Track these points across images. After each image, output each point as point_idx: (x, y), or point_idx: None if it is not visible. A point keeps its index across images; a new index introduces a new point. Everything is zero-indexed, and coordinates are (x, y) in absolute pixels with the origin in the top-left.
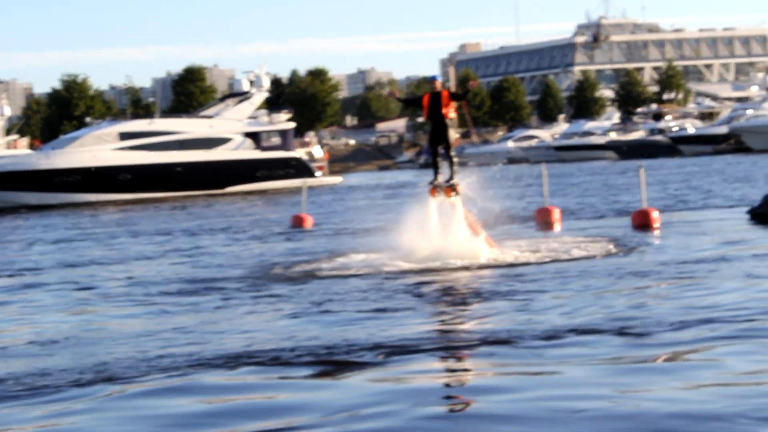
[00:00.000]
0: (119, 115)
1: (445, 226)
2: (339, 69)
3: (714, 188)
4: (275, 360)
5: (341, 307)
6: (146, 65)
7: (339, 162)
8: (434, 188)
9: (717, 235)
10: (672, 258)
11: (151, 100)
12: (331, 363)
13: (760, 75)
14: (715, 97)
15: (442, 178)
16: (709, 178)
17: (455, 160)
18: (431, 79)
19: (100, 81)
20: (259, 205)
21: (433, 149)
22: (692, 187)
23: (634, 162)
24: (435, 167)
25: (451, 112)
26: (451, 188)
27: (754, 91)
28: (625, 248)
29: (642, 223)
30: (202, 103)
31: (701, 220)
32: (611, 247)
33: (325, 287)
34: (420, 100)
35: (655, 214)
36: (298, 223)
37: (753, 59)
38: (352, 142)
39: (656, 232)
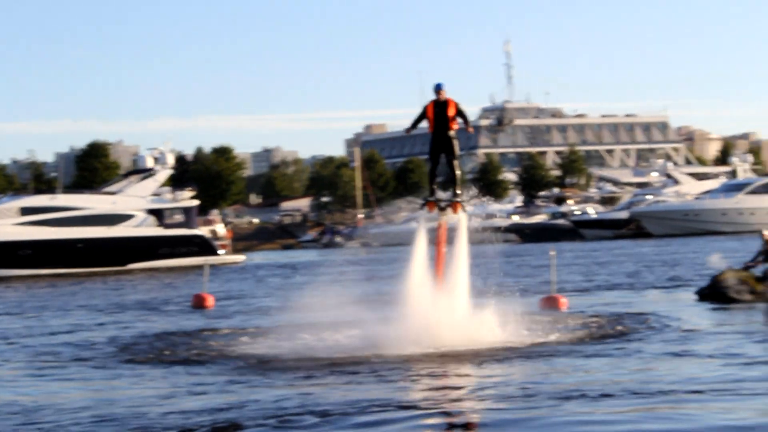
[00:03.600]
0: (21, 190)
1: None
2: (244, 147)
3: (639, 271)
4: None
5: None
6: (49, 140)
7: (242, 240)
8: (432, 203)
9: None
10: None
11: (53, 175)
12: None
13: (660, 161)
14: (616, 182)
15: (442, 195)
16: (624, 262)
17: (458, 172)
18: (438, 88)
19: (1, 155)
20: (159, 283)
21: (433, 162)
22: (615, 271)
23: (538, 245)
24: (432, 181)
25: (454, 125)
26: (458, 204)
27: (654, 176)
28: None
29: (551, 306)
30: (105, 179)
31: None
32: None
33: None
34: (423, 111)
35: (563, 300)
36: (199, 302)
37: (653, 145)
38: (255, 220)
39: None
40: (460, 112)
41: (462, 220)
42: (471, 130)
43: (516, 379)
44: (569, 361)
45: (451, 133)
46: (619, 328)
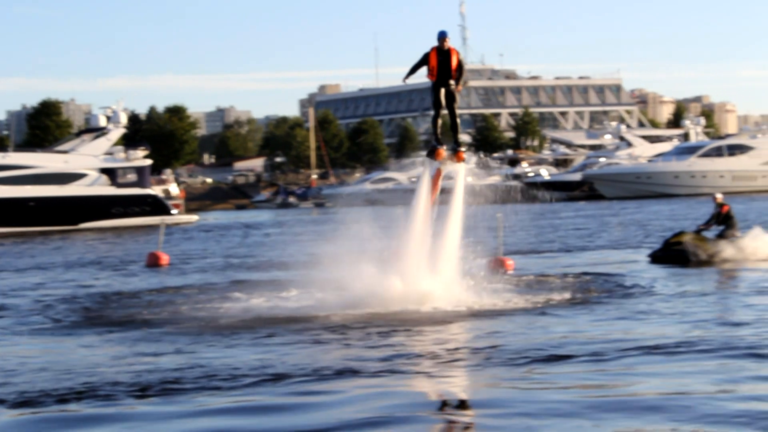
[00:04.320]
0: None
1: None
2: (198, 107)
3: (592, 232)
4: None
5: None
6: (0, 97)
7: (196, 200)
8: (441, 150)
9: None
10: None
11: (5, 133)
12: None
13: (614, 124)
14: (569, 144)
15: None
16: (576, 224)
17: (459, 122)
18: (443, 35)
19: None
20: (113, 242)
21: (437, 110)
22: (566, 233)
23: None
24: (436, 129)
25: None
26: (461, 153)
27: (607, 139)
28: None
29: (498, 268)
30: (57, 137)
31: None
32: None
33: None
34: (426, 57)
35: (510, 262)
36: (153, 261)
37: (607, 108)
38: (209, 180)
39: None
40: (459, 65)
41: (461, 170)
42: (460, 88)
43: (462, 340)
44: (522, 321)
45: (452, 82)
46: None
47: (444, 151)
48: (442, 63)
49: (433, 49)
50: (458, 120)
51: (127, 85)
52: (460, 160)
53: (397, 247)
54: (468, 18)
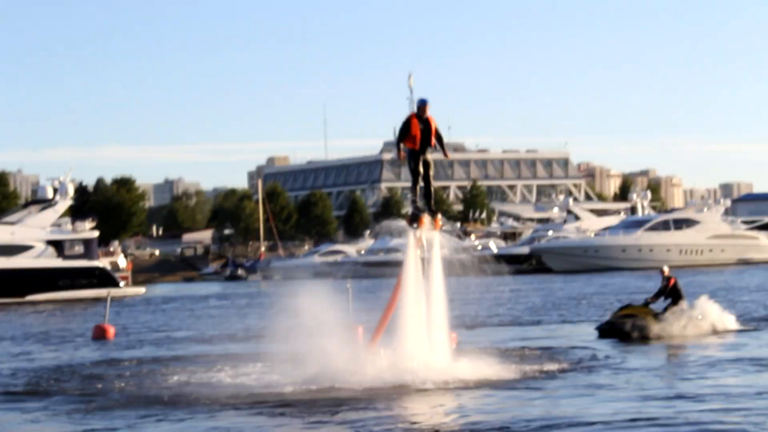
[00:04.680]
0: None
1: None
2: (146, 178)
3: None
4: None
5: None
6: None
7: (144, 272)
8: (422, 218)
9: None
10: None
11: None
12: None
13: (561, 197)
14: (517, 218)
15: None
16: (523, 297)
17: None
18: (423, 103)
19: None
20: (60, 315)
21: (416, 178)
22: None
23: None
24: (417, 197)
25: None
26: (437, 219)
27: (555, 212)
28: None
29: None
30: (4, 209)
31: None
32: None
33: None
34: (408, 125)
35: (453, 335)
36: (100, 333)
37: (555, 181)
38: (157, 252)
39: None
40: (437, 133)
41: (437, 238)
42: (450, 156)
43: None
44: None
45: (428, 150)
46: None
47: (425, 218)
48: (423, 131)
49: (412, 116)
50: (432, 188)
51: (74, 155)
52: (436, 227)
53: (383, 320)
54: (416, 91)
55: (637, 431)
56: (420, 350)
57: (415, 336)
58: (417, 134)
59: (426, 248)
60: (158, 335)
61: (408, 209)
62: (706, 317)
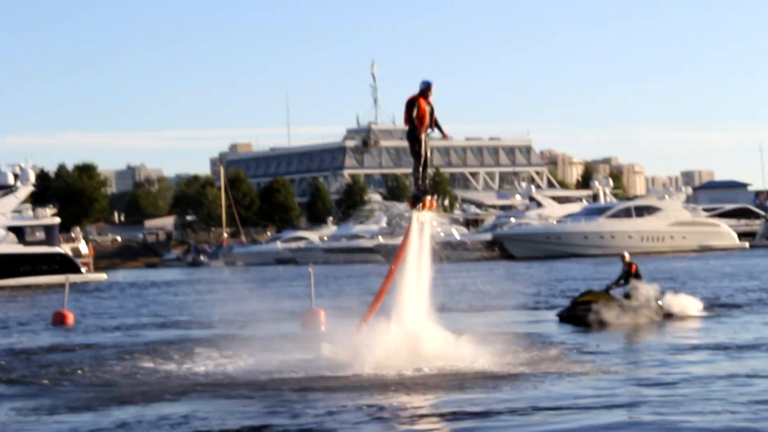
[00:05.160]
0: None
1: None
2: (108, 164)
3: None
4: None
5: None
6: None
7: (105, 258)
8: (426, 199)
9: None
10: None
11: None
12: None
13: (524, 184)
14: (480, 205)
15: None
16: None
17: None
18: (428, 85)
19: None
20: (19, 301)
21: (419, 159)
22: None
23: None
24: (423, 179)
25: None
26: (434, 201)
27: (517, 199)
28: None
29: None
30: None
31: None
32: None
33: None
34: (415, 104)
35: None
36: (59, 319)
37: (517, 169)
38: (119, 238)
39: None
40: (433, 115)
41: (428, 218)
42: (448, 136)
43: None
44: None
45: (430, 131)
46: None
47: (429, 200)
48: (430, 113)
49: (418, 97)
50: (429, 169)
51: (35, 142)
52: (431, 207)
53: (375, 301)
54: (379, 78)
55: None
56: (423, 329)
57: (418, 316)
58: (425, 115)
59: (420, 228)
60: (118, 321)
61: (370, 196)
62: (667, 303)
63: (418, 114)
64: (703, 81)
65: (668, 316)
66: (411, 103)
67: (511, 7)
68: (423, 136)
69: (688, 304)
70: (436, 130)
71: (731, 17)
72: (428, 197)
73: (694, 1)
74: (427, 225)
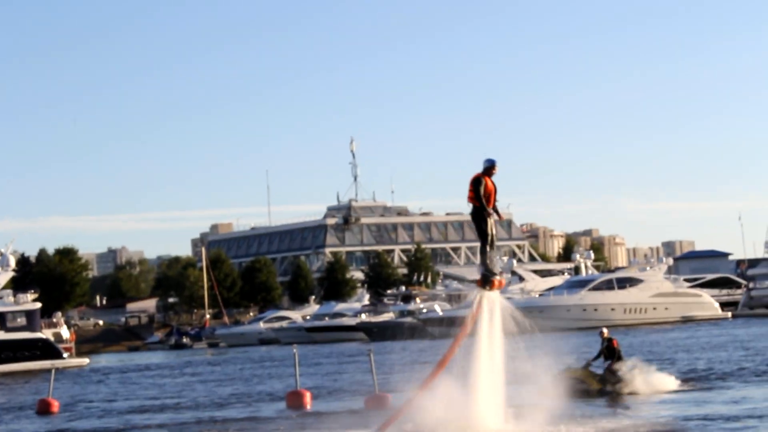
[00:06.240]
0: None
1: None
2: (88, 248)
3: None
4: None
5: None
6: None
7: (88, 342)
8: (495, 280)
9: None
10: None
11: None
12: None
13: (505, 258)
14: (462, 280)
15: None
16: None
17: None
18: (493, 163)
19: None
20: (2, 388)
21: (484, 238)
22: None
23: (385, 343)
24: (487, 257)
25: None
26: (503, 281)
27: None
28: None
29: (377, 405)
30: None
31: None
32: None
33: None
34: (482, 183)
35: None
36: (44, 407)
37: (498, 243)
38: (101, 322)
39: None
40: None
41: (497, 298)
42: (503, 217)
43: None
44: None
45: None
46: None
47: (498, 280)
48: (494, 191)
49: (484, 176)
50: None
51: (16, 227)
52: (499, 286)
53: (431, 377)
54: (358, 155)
55: None
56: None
57: (493, 398)
58: (492, 194)
59: (489, 308)
60: (102, 406)
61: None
62: (645, 378)
63: (485, 192)
64: (681, 151)
65: (647, 390)
66: (477, 182)
67: (489, 82)
68: (490, 214)
69: (663, 380)
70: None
71: (706, 87)
72: (497, 277)
73: (669, 72)
74: (496, 304)
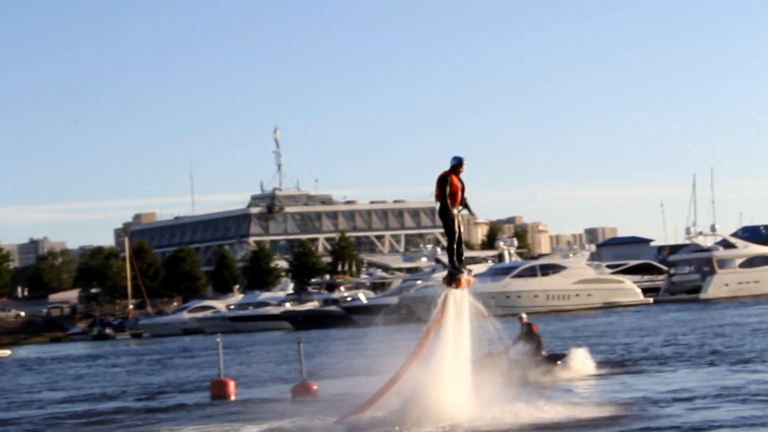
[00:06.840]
0: None
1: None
2: (9, 239)
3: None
4: None
5: None
6: None
7: (9, 334)
8: (462, 277)
9: None
10: None
11: None
12: None
13: (429, 246)
14: (386, 268)
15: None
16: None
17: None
18: (460, 161)
19: None
20: None
21: (451, 237)
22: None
23: (310, 332)
24: (456, 255)
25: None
26: (470, 279)
27: (423, 261)
28: None
29: (303, 393)
30: None
31: None
32: None
33: None
34: (448, 181)
35: (315, 387)
36: None
37: (422, 231)
38: (22, 313)
39: None
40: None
41: (465, 295)
42: (475, 215)
43: None
44: None
45: (460, 207)
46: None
47: (465, 278)
48: (462, 189)
49: (450, 173)
50: (463, 246)
51: None
52: (467, 285)
53: (397, 376)
54: (282, 144)
55: None
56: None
57: (460, 392)
58: (458, 192)
59: (456, 306)
60: (24, 398)
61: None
62: (565, 363)
63: (450, 191)
64: (603, 139)
65: (566, 375)
66: (443, 180)
67: (411, 69)
68: (455, 213)
69: (582, 365)
70: (463, 208)
71: (626, 76)
72: (464, 275)
73: (593, 60)
74: (465, 303)
